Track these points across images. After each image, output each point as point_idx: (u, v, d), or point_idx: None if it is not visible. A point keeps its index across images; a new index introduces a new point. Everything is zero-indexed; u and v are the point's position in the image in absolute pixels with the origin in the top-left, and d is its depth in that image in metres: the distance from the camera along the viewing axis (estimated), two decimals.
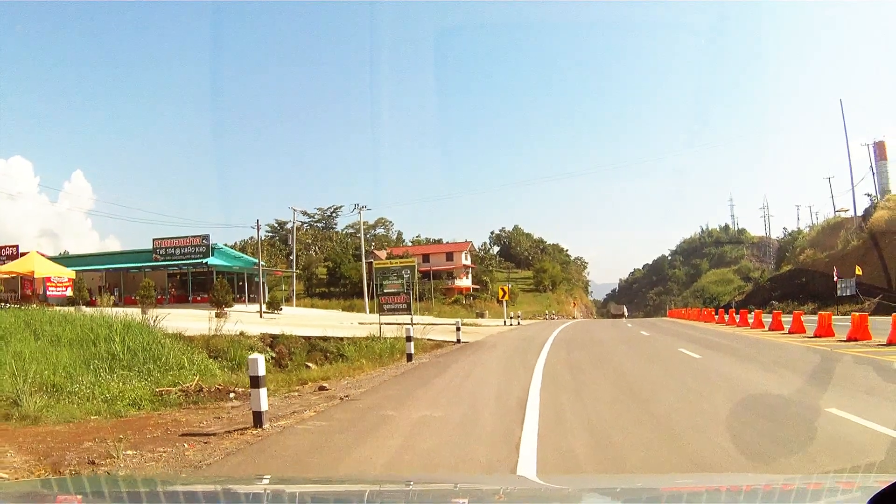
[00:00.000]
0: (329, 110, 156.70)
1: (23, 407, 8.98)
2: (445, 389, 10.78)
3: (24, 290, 28.00)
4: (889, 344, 15.33)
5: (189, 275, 45.42)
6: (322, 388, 10.91)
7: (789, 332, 21.43)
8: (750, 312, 31.18)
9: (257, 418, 7.35)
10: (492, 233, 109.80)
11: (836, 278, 41.71)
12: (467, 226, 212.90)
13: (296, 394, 10.68)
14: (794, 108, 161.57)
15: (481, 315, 56.99)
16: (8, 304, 22.79)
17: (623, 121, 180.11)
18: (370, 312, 47.26)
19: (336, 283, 73.93)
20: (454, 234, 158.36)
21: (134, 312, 20.38)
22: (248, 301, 45.03)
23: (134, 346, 15.27)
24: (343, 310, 55.38)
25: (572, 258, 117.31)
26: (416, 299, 34.07)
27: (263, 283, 45.30)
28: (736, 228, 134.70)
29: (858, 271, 39.47)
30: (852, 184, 56.17)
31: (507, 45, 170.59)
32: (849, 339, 17.15)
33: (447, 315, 50.28)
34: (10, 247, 39.30)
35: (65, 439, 7.46)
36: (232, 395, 11.00)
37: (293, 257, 61.82)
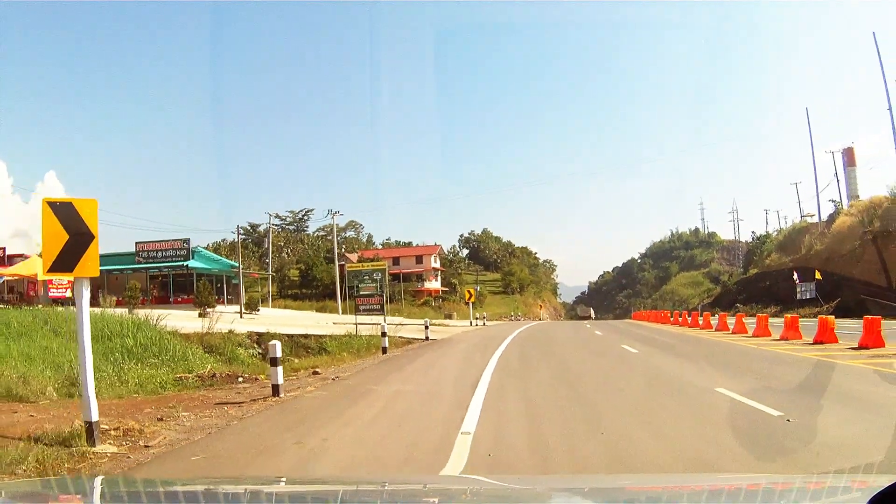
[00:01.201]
0: (299, 116, 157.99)
1: (80, 386, 11.35)
2: (415, 373, 13.46)
3: (28, 292, 29.81)
4: (815, 342, 16.86)
5: (170, 277, 47.20)
6: (315, 373, 13.48)
7: (732, 333, 23.86)
8: (713, 315, 32.27)
9: (275, 389, 9.93)
10: (461, 236, 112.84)
11: (796, 282, 43.80)
12: (437, 228, 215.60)
13: (294, 377, 13.18)
14: (764, 115, 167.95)
15: (449, 316, 59.64)
16: (23, 305, 24.68)
17: (594, 126, 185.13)
18: (343, 313, 49.65)
19: (308, 285, 75.87)
20: (424, 236, 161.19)
21: (122, 312, 22.58)
22: (227, 302, 47.04)
23: (144, 342, 17.64)
24: (316, 311, 57.46)
25: (541, 261, 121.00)
26: (387, 301, 36.58)
27: (244, 285, 47.34)
28: (706, 232, 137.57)
29: (818, 275, 41.21)
30: (817, 190, 59.46)
31: (481, 50, 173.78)
32: (781, 339, 18.95)
33: (417, 316, 52.70)
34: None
35: (126, 408, 9.87)
36: (240, 379, 13.46)
37: (269, 260, 63.77)
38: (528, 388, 10.86)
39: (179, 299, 44.71)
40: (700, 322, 30.48)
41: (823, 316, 18.78)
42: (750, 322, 24.83)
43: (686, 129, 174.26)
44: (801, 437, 6.51)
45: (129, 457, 6.53)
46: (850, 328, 19.70)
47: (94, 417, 6.87)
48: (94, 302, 30.99)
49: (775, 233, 71.30)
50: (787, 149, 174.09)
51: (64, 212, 6.62)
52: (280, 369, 10.06)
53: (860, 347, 15.03)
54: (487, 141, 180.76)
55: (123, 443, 7.11)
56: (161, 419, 8.67)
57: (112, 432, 7.52)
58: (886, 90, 42.40)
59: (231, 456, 6.41)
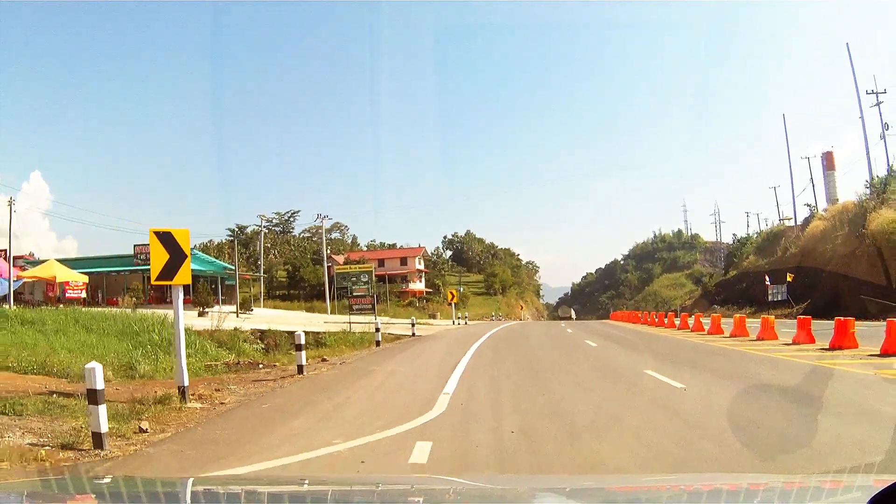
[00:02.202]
0: (284, 119, 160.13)
1: (138, 370, 14.27)
2: (406, 359, 16.57)
3: (46, 293, 32.47)
4: (759, 339, 18.96)
5: None
6: (323, 360, 16.52)
7: (692, 330, 26.88)
8: (690, 316, 32.80)
9: (300, 368, 12.98)
10: (445, 237, 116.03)
11: (767, 284, 45.84)
12: (421, 230, 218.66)
13: (308, 363, 16.19)
14: (748, 119, 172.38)
15: (433, 316, 62.72)
16: (47, 305, 27.38)
17: (580, 129, 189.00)
18: (332, 313, 52.60)
19: (295, 286, 78.51)
20: (408, 238, 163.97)
21: (119, 311, 25.39)
22: (221, 302, 49.71)
23: (168, 337, 20.52)
24: (305, 311, 60.20)
25: (524, 262, 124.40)
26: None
27: (238, 286, 50.10)
28: (689, 233, 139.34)
29: (789, 278, 43.10)
30: (793, 195, 60.45)
31: (463, 54, 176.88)
32: (731, 336, 21.25)
33: (402, 316, 55.63)
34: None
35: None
36: (260, 365, 16.44)
37: (261, 263, 66.36)
38: (495, 370, 13.96)
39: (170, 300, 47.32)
40: (677, 323, 32.02)
41: (802, 317, 19.37)
42: (727, 322, 25.74)
43: (671, 131, 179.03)
44: (687, 398, 9.58)
45: (213, 409, 9.53)
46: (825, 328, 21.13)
47: (186, 383, 9.86)
48: (112, 303, 33.77)
49: (755, 235, 72.06)
50: (770, 152, 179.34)
51: (165, 238, 9.61)
52: (303, 353, 13.15)
53: (833, 348, 15.36)
54: (473, 144, 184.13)
55: (202, 403, 10.10)
56: (218, 390, 11.64)
57: (190, 397, 10.49)
58: (859, 100, 44.68)
59: (287, 405, 9.47)
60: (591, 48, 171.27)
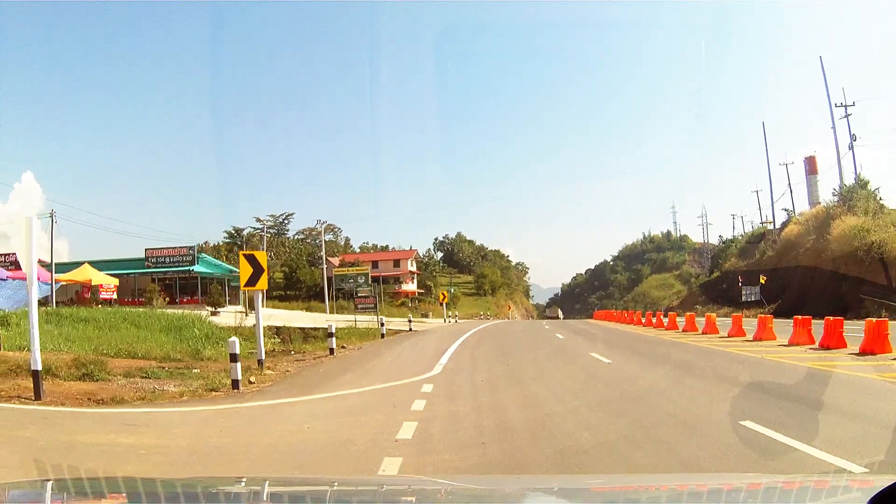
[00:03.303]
0: (277, 123, 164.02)
1: (203, 354, 19.04)
2: (408, 346, 21.50)
3: (82, 294, 37.10)
4: (730, 336, 21.50)
5: (175, 280, 54.39)
6: (343, 347, 21.37)
7: (665, 328, 30.21)
8: (665, 315, 33.89)
9: (331, 350, 17.88)
10: (436, 239, 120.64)
11: (740, 285, 48.79)
12: (413, 231, 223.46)
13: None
14: (737, 122, 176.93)
15: (426, 315, 67.61)
16: (82, 305, 32.02)
17: (570, 131, 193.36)
18: (330, 312, 57.31)
19: (293, 287, 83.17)
20: (400, 239, 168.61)
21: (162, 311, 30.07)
22: (227, 303, 54.39)
23: (206, 331, 25.28)
24: (304, 310, 64.74)
25: (513, 264, 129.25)
26: None
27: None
28: (678, 235, 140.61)
29: (762, 280, 45.70)
30: (772, 200, 62.21)
31: (453, 55, 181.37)
32: (703, 333, 24.00)
33: (396, 315, 60.35)
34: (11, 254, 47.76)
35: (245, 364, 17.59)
36: (293, 352, 21.20)
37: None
38: (476, 352, 18.88)
39: (184, 300, 51.88)
40: (643, 321, 35.13)
41: (763, 315, 21.67)
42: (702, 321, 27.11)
43: (662, 133, 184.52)
44: (607, 367, 14.45)
45: (284, 374, 14.35)
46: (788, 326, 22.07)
47: (263, 357, 14.70)
48: (131, 301, 38.39)
49: (741, 237, 74.27)
50: (755, 157, 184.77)
51: (250, 258, 14.47)
52: (333, 339, 18.06)
53: (790, 344, 17.19)
54: (466, 147, 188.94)
55: (274, 371, 14.89)
56: (276, 365, 16.45)
57: (264, 368, 15.27)
58: (831, 112, 46.81)
59: (334, 371, 14.36)
60: (581, 51, 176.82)
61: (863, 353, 13.92)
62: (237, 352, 11.62)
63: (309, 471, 6.35)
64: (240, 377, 11.61)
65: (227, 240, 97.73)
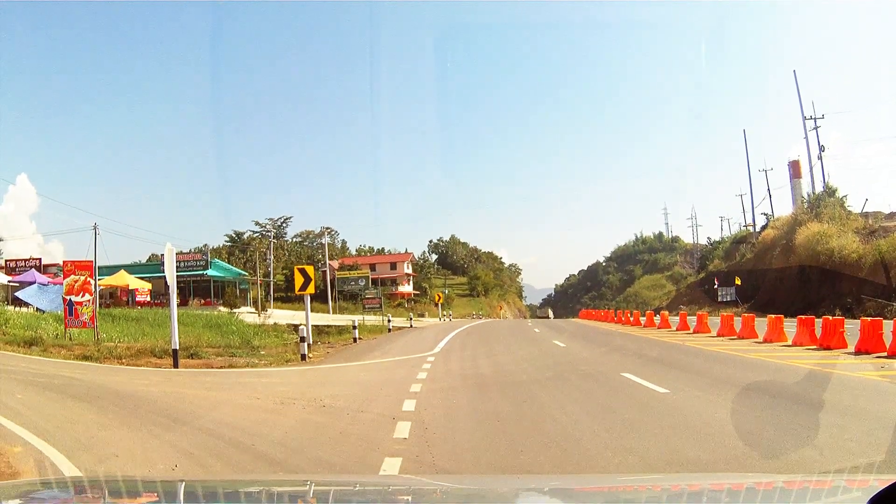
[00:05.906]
0: (273, 125, 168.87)
1: (252, 343, 25.32)
2: (413, 337, 27.95)
3: (120, 297, 43.34)
4: (695, 333, 25.21)
5: (189, 283, 60.53)
6: (361, 338, 27.71)
7: (644, 326, 35.14)
8: (642, 315, 36.66)
9: (355, 339, 24.29)
10: (430, 241, 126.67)
11: (716, 286, 53.64)
12: (408, 233, 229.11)
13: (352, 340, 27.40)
14: (728, 124, 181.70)
15: (422, 315, 73.89)
16: (138, 306, 38.16)
17: (565, 132, 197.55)
18: (333, 313, 63.56)
19: (293, 289, 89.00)
20: (395, 241, 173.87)
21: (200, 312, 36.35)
22: (238, 305, 60.62)
23: (241, 328, 31.64)
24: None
25: (506, 265, 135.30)
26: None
27: (259, 289, 61.08)
28: (670, 236, 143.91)
29: (738, 281, 49.97)
30: (752, 205, 67.06)
31: (444, 56, 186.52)
32: (677, 329, 28.07)
33: (394, 316, 66.60)
34: (34, 259, 53.56)
35: (285, 350, 23.90)
36: (318, 343, 27.45)
37: (271, 269, 76.94)
38: (465, 341, 25.22)
39: (198, 302, 58.01)
40: (623, 319, 38.85)
41: (725, 314, 25.14)
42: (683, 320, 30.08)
43: (655, 135, 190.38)
44: (561, 350, 20.80)
45: (327, 353, 20.66)
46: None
47: (310, 341, 21.01)
48: (184, 302, 44.67)
49: (727, 239, 77.98)
50: (742, 161, 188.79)
51: (302, 271, 20.84)
52: (357, 331, 24.44)
53: (765, 342, 19.20)
54: (461, 150, 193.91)
55: (319, 353, 21.16)
56: (316, 350, 22.72)
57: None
58: (804, 123, 50.98)
59: (364, 351, 20.76)
60: (574, 53, 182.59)
61: (820, 347, 16.48)
62: (307, 335, 17.96)
63: (371, 391, 12.49)
64: (307, 352, 17.95)
65: (228, 243, 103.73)
